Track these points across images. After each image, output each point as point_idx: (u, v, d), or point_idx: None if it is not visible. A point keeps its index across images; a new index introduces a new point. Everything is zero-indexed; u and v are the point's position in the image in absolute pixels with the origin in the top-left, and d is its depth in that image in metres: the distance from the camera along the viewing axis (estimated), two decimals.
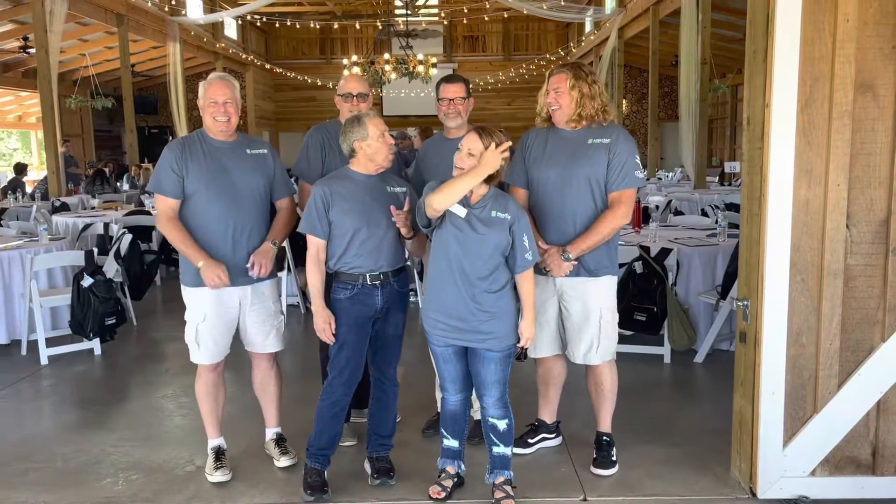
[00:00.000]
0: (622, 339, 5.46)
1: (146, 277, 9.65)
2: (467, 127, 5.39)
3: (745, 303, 4.51)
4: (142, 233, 11.40)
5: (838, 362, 4.38)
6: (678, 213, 11.97)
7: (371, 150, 4.72)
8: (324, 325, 4.74)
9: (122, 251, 9.02)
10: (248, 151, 5.06)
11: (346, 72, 23.25)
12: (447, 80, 5.45)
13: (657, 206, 12.39)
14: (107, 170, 19.54)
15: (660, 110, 23.29)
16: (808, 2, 4.12)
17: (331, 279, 4.81)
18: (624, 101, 25.85)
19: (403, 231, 4.73)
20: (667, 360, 7.34)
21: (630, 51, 24.55)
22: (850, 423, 4.45)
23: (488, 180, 4.44)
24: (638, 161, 4.86)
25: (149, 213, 12.24)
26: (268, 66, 30.88)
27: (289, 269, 9.30)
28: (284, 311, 5.16)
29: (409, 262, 6.16)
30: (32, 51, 18.42)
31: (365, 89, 5.50)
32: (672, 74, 27.73)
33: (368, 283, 4.72)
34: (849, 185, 4.23)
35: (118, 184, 19.82)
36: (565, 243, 4.81)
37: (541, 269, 4.86)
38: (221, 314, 5.01)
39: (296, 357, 7.65)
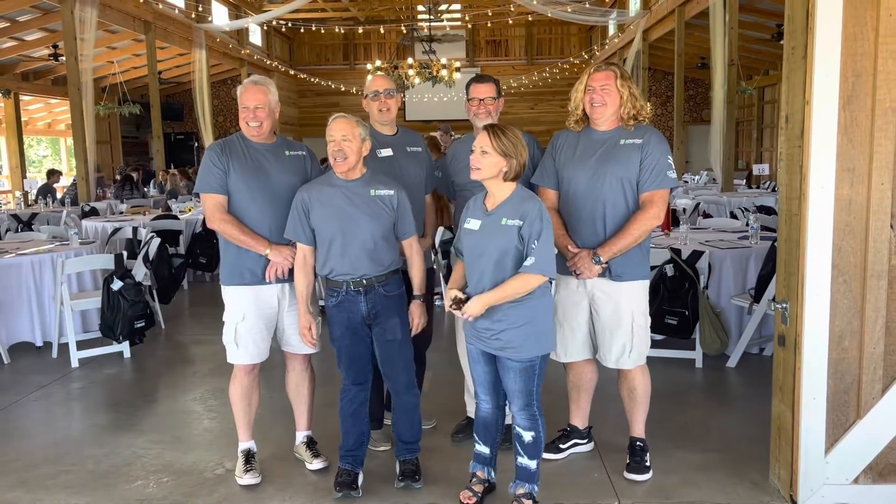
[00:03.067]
0: (653, 344, 5.35)
1: (174, 281, 9.68)
2: None
3: (785, 305, 4.39)
4: (169, 237, 11.40)
5: (882, 366, 4.25)
6: (706, 215, 11.83)
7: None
8: (303, 329, 4.85)
9: (151, 255, 8.99)
10: (287, 153, 5.05)
11: (369, 76, 23.25)
12: (477, 79, 5.39)
13: (684, 209, 12.27)
14: (135, 175, 19.55)
15: (684, 113, 23.08)
16: None
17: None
18: (648, 105, 25.68)
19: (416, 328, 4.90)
20: (699, 364, 7.19)
21: (655, 53, 24.42)
22: (895, 429, 4.32)
23: (511, 179, 4.36)
24: (671, 161, 4.80)
25: (176, 218, 12.24)
26: (292, 72, 30.91)
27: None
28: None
29: (435, 265, 6.08)
30: (63, 58, 18.50)
31: (392, 86, 5.45)
32: (696, 77, 27.65)
33: (352, 289, 4.74)
34: (893, 183, 4.11)
35: (146, 189, 19.86)
36: (596, 245, 4.72)
37: (571, 271, 4.78)
38: (261, 313, 5.00)
39: (325, 359, 7.51)
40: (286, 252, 4.86)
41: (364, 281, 4.72)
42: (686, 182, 20.48)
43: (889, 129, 4.07)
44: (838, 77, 4.05)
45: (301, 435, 5.41)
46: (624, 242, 4.65)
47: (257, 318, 4.99)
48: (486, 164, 4.28)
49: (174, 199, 16.59)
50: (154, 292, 9.33)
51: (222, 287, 5.04)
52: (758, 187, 17.99)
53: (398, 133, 5.43)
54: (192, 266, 11.74)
